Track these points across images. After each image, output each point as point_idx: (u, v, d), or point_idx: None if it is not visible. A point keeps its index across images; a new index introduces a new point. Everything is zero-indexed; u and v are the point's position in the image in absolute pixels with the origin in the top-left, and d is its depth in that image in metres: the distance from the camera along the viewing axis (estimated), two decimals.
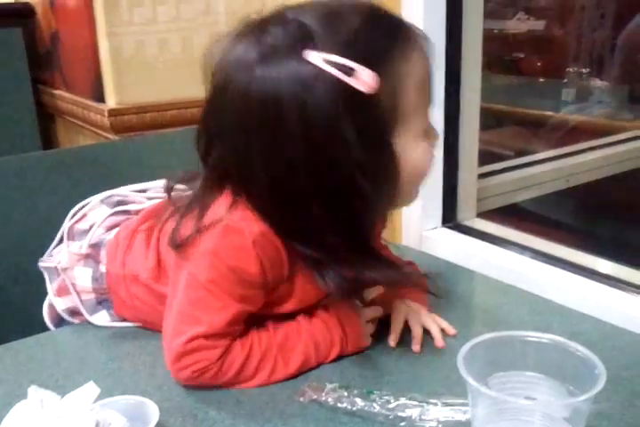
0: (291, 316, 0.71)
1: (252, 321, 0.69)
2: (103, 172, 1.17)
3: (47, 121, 1.89)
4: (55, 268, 0.82)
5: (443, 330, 0.76)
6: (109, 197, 0.89)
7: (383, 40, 0.61)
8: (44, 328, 0.84)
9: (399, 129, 0.62)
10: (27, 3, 1.86)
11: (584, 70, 2.00)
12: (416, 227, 1.08)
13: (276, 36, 0.59)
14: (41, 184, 1.15)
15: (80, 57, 1.58)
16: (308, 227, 0.63)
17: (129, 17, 1.40)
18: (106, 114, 1.42)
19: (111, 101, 1.44)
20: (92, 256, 0.81)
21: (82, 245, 0.82)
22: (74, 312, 0.82)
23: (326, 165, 0.60)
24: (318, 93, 0.58)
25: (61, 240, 0.87)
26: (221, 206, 0.65)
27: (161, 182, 0.95)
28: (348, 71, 0.58)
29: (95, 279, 0.80)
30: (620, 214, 1.43)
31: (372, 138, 0.60)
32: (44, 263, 0.84)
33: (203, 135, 0.66)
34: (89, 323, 0.82)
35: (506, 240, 1.04)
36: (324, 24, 0.59)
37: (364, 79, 0.58)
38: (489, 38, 1.09)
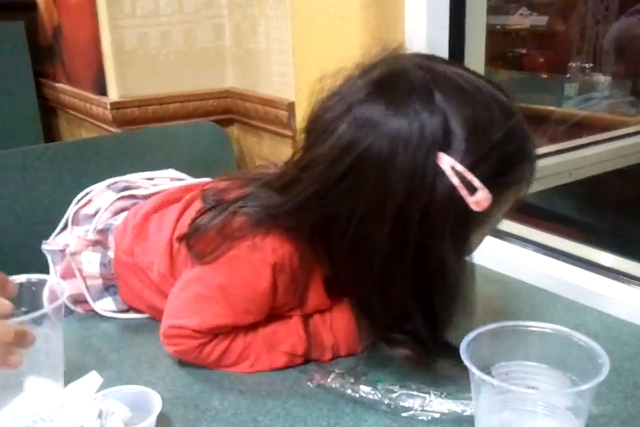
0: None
1: None
2: (105, 164, 1.17)
3: (49, 114, 1.89)
4: (60, 251, 0.82)
5: None
6: (115, 182, 0.89)
7: (510, 164, 0.60)
8: None
9: (477, 229, 0.62)
10: None
11: (587, 65, 2.00)
12: None
13: (417, 120, 0.57)
14: (43, 177, 1.16)
15: (82, 50, 1.58)
16: (384, 295, 0.62)
17: (131, 10, 1.40)
18: (108, 107, 1.41)
19: (113, 94, 1.44)
20: (100, 242, 0.81)
21: (88, 230, 0.82)
22: (77, 300, 0.82)
23: (412, 244, 0.59)
24: (429, 191, 0.57)
25: (66, 226, 0.87)
26: (253, 222, 0.65)
27: (168, 172, 0.96)
28: (470, 187, 0.57)
29: (103, 265, 0.80)
30: (623, 208, 1.42)
31: (459, 235, 0.60)
32: (47, 246, 0.84)
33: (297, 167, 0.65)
34: (91, 311, 0.82)
35: (508, 233, 1.04)
36: (468, 131, 0.57)
37: (479, 200, 0.57)
38: (491, 34, 1.09)
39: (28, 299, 0.65)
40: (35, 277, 0.66)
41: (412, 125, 0.57)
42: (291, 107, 1.26)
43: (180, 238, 0.71)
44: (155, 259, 0.76)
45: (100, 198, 0.86)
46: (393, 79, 0.60)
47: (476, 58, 1.07)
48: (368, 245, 0.60)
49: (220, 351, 0.68)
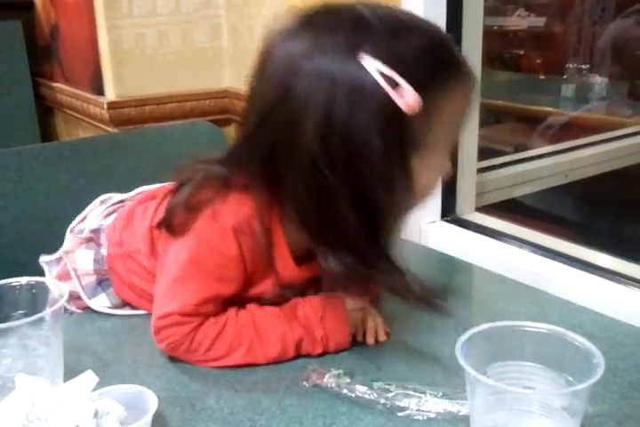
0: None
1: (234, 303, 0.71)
2: (102, 164, 1.17)
3: (46, 114, 1.89)
4: (56, 259, 0.84)
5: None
6: (108, 198, 0.91)
7: (437, 70, 0.61)
8: None
9: (420, 154, 0.62)
10: None
11: (583, 66, 2.01)
12: (415, 220, 1.08)
13: (338, 29, 0.60)
14: (40, 177, 1.15)
15: (79, 50, 1.57)
16: (329, 218, 0.63)
17: (129, 9, 1.40)
18: (105, 107, 1.41)
19: (110, 94, 1.44)
20: (93, 240, 0.83)
21: (83, 230, 0.84)
22: (71, 297, 0.81)
23: (345, 164, 0.60)
24: (359, 97, 0.58)
25: None
26: (213, 188, 0.67)
27: None
28: (395, 86, 0.58)
29: (96, 261, 0.82)
30: (618, 209, 1.43)
31: (394, 153, 0.60)
32: (44, 258, 0.86)
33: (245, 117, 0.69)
34: (85, 308, 0.82)
35: (504, 234, 1.04)
36: (390, 35, 0.59)
37: (407, 99, 0.58)
38: (489, 35, 1.09)
39: (26, 301, 0.65)
40: (34, 279, 0.66)
41: (334, 41, 0.59)
42: None
43: (158, 225, 0.73)
44: (139, 242, 0.79)
45: (93, 213, 0.88)
46: (323, 12, 0.63)
47: (473, 59, 1.07)
48: (305, 169, 0.61)
49: (211, 338, 0.68)
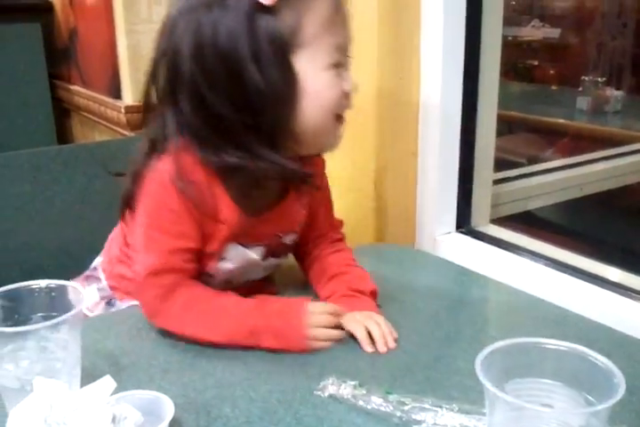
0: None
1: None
2: (118, 167, 1.18)
3: (63, 116, 1.91)
4: None
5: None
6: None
7: None
8: None
9: (301, 53, 0.67)
10: None
11: (599, 79, 2.00)
12: (430, 231, 1.08)
13: None
14: (56, 179, 1.16)
15: (98, 53, 1.59)
16: (223, 131, 0.69)
17: (147, 15, 1.41)
18: (122, 111, 1.42)
19: (128, 98, 1.45)
20: (91, 276, 0.89)
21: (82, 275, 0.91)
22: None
23: (223, 73, 0.66)
24: (220, 9, 0.65)
25: None
26: (149, 158, 0.73)
27: None
28: None
29: (99, 289, 0.87)
30: (634, 224, 1.42)
31: (268, 51, 0.65)
32: None
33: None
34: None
35: (519, 247, 1.04)
36: None
37: None
38: (503, 45, 1.09)
39: (45, 304, 0.65)
40: (53, 282, 0.67)
41: None
42: None
43: (122, 212, 0.78)
44: (115, 246, 0.86)
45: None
46: None
47: (492, 69, 1.07)
48: (192, 94, 0.68)
49: (186, 297, 0.73)
